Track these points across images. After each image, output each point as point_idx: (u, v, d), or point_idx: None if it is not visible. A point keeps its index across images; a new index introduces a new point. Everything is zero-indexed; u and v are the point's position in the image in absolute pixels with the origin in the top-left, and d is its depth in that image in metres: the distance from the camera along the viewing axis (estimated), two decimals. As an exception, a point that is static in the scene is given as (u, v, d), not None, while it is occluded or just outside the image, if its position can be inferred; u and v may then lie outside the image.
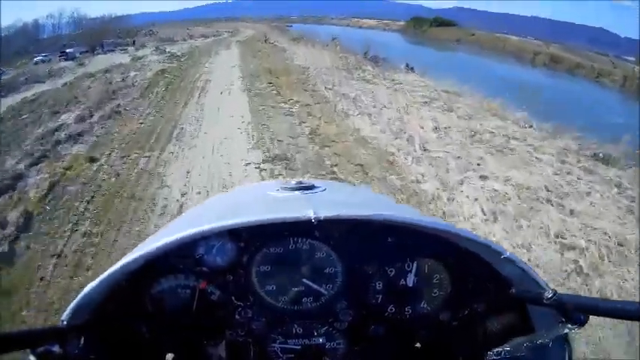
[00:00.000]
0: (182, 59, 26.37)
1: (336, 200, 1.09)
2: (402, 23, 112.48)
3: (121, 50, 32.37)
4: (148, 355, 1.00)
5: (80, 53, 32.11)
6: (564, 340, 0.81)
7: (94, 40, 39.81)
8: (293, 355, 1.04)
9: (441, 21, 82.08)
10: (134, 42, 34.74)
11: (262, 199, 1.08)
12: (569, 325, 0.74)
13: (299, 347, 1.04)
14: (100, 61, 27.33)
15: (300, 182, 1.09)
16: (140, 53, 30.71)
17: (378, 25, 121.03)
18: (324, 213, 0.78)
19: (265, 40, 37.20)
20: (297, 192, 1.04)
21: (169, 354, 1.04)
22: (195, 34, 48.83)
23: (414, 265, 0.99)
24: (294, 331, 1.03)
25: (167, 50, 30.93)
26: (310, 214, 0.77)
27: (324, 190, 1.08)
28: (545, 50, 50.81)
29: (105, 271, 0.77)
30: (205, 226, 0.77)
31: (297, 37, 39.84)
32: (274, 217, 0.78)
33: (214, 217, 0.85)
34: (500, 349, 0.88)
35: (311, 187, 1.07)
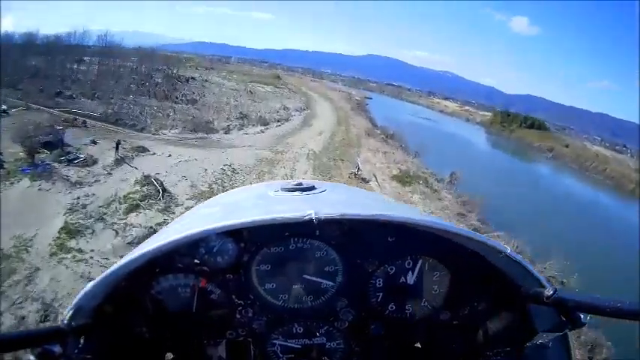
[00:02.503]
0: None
1: (336, 200, 1.07)
2: (485, 114, 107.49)
3: (78, 177, 15.53)
4: (147, 355, 0.98)
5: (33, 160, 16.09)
6: (564, 340, 0.81)
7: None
8: (293, 355, 1.04)
9: (531, 121, 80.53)
10: (117, 146, 17.62)
11: (263, 200, 1.05)
12: (570, 326, 0.75)
13: (299, 347, 1.04)
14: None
15: (301, 183, 1.06)
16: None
17: (461, 112, 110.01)
18: (325, 213, 0.77)
19: (355, 174, 21.24)
20: (297, 193, 1.02)
21: (169, 354, 1.01)
22: (253, 112, 32.55)
23: (414, 263, 0.99)
24: (294, 331, 1.03)
25: (155, 209, 13.96)
26: (311, 214, 0.76)
27: (324, 190, 1.06)
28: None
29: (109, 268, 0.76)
30: (205, 227, 0.77)
31: (402, 162, 25.83)
32: (275, 218, 0.77)
33: (216, 217, 0.86)
34: (500, 349, 0.88)
35: (311, 188, 1.04)
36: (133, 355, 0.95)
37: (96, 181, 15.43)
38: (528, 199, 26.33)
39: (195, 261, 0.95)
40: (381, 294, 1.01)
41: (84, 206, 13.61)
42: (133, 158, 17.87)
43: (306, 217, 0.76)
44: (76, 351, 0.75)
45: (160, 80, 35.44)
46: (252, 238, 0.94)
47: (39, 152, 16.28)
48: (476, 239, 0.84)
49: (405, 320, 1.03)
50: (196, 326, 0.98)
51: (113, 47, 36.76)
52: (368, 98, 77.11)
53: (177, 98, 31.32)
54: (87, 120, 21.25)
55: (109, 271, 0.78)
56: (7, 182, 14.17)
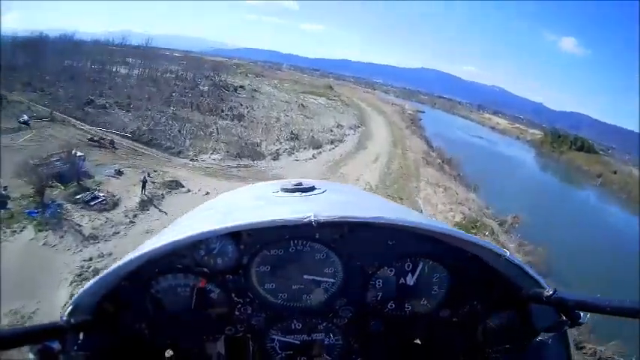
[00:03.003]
0: None
1: (336, 202, 1.07)
2: (535, 132, 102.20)
3: (92, 228, 12.03)
4: (147, 352, 0.98)
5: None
6: (564, 338, 0.82)
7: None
8: (292, 351, 1.04)
9: (581, 143, 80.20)
10: (144, 184, 14.04)
11: (263, 201, 1.04)
12: (569, 324, 0.77)
13: (298, 343, 1.04)
14: None
15: (300, 183, 1.06)
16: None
17: (511, 129, 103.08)
18: (325, 215, 0.77)
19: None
20: (297, 194, 1.02)
21: (168, 350, 1.01)
22: (305, 130, 28.64)
23: (414, 265, 0.98)
24: (293, 327, 1.03)
25: None
26: (311, 216, 0.76)
27: (324, 191, 1.06)
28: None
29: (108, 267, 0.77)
30: (204, 229, 0.77)
31: (463, 201, 22.42)
32: (275, 220, 0.77)
33: (216, 219, 0.86)
34: (500, 347, 0.89)
35: (311, 189, 1.04)
36: (132, 352, 0.93)
37: (114, 233, 12.00)
38: (589, 241, 24.77)
39: (195, 262, 0.93)
40: (381, 294, 1.00)
41: (96, 272, 10.15)
42: (163, 197, 14.38)
43: (306, 220, 0.75)
44: (75, 348, 0.75)
45: (205, 89, 32.53)
46: (251, 240, 0.93)
47: (51, 186, 13.08)
48: (475, 243, 0.84)
49: (405, 318, 1.01)
50: (195, 323, 0.96)
51: (158, 50, 34.30)
52: (420, 112, 74.22)
53: (222, 112, 28.12)
54: (115, 140, 18.16)
55: (108, 270, 0.77)
56: (7, 230, 11.02)
